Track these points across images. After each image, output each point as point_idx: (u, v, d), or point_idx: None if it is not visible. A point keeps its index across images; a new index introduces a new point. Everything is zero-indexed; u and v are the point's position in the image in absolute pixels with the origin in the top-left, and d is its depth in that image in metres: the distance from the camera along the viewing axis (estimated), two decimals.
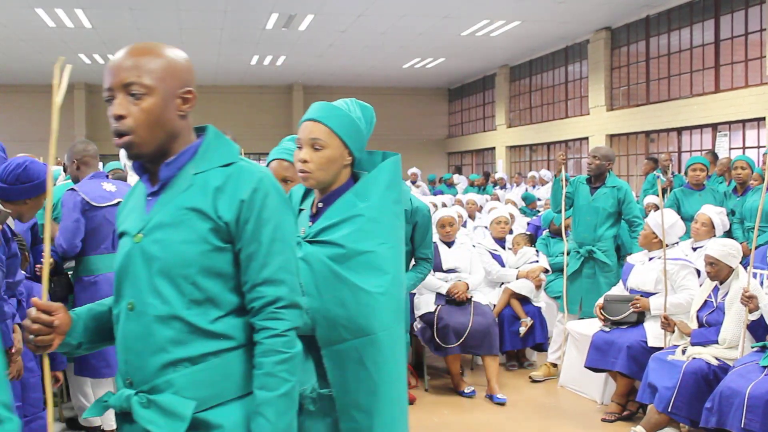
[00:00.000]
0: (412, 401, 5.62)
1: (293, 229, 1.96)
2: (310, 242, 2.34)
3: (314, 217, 2.43)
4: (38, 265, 4.17)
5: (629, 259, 5.74)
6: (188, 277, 1.81)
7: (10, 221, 3.51)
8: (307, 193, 2.56)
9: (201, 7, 13.40)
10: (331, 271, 2.27)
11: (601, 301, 5.53)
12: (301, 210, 2.53)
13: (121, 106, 1.81)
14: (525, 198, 12.09)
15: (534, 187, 15.07)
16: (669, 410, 4.51)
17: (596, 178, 6.45)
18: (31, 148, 9.06)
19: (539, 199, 12.12)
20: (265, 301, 1.82)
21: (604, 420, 5.25)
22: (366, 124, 2.47)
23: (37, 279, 4.08)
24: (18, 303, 3.56)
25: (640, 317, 5.31)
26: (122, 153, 3.03)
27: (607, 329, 5.34)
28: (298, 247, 2.28)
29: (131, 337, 1.86)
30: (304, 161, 2.39)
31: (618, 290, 5.62)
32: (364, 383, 2.27)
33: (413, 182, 15.77)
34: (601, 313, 5.42)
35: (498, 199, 11.76)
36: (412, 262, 5.07)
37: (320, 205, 2.43)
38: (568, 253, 6.46)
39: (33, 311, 1.84)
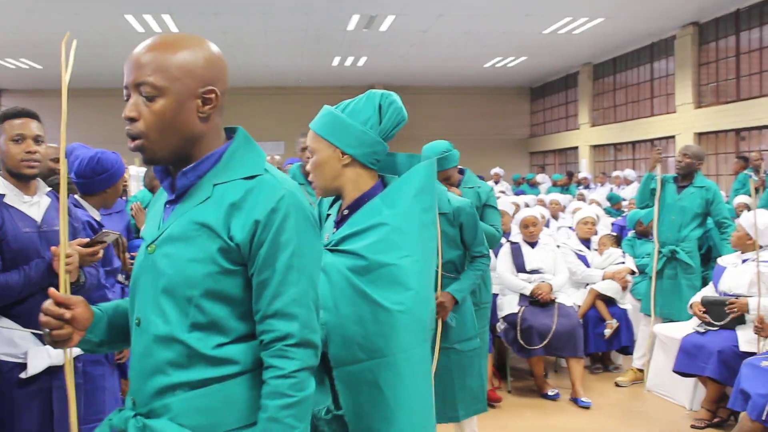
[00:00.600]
0: (497, 400, 5.62)
1: (317, 256, 1.73)
2: (332, 251, 2.23)
3: (339, 224, 2.32)
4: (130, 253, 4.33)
5: (720, 260, 5.55)
6: (191, 299, 1.64)
7: (95, 213, 3.66)
8: (338, 198, 2.42)
9: (285, 10, 13.61)
10: (350, 284, 2.14)
11: (697, 299, 5.35)
12: (328, 215, 2.44)
13: (133, 108, 1.66)
14: (610, 198, 11.88)
15: (619, 187, 14.79)
16: (763, 419, 4.36)
17: (684, 177, 6.29)
18: (123, 150, 9.36)
19: (624, 200, 11.89)
20: (275, 336, 1.63)
21: (693, 427, 5.12)
22: (368, 116, 2.28)
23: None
24: (122, 290, 3.72)
25: (740, 320, 5.11)
26: None
27: (702, 330, 5.18)
28: None
29: (136, 354, 1.73)
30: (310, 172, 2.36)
31: (709, 292, 5.44)
32: (378, 408, 2.13)
33: (496, 182, 15.65)
34: (704, 315, 5.24)
35: (583, 199, 11.58)
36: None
37: (346, 211, 2.31)
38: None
39: (46, 303, 1.70)
